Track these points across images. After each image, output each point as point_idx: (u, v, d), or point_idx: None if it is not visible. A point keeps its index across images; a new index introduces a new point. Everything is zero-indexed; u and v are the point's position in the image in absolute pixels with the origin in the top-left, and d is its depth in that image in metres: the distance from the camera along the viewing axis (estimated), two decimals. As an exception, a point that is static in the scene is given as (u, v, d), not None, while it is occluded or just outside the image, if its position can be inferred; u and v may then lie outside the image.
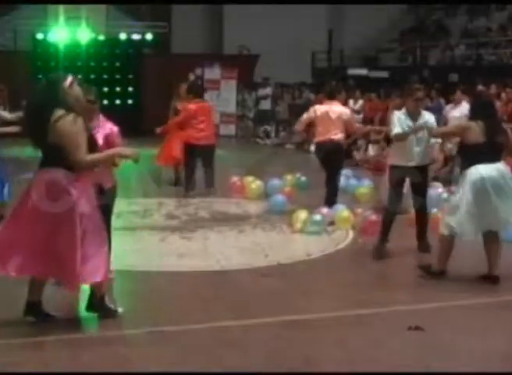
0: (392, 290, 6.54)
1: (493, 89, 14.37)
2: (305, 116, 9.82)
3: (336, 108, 9.58)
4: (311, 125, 10.03)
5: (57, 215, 5.09)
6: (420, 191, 7.70)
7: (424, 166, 7.68)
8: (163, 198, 10.42)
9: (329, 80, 15.71)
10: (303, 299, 6.22)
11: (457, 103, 12.00)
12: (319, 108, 9.72)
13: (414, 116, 7.52)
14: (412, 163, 7.52)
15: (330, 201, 9.37)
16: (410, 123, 7.46)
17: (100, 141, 5.93)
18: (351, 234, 8.59)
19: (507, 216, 6.52)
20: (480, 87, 14.37)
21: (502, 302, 6.22)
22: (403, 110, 7.60)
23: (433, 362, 4.91)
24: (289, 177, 11.48)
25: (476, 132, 6.52)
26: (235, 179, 11.41)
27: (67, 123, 5.08)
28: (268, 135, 20.29)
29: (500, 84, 14.65)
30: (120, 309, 5.60)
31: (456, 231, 6.54)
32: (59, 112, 5.12)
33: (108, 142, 6.01)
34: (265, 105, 20.75)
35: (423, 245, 7.70)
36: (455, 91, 12.41)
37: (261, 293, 6.37)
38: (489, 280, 6.62)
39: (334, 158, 9.52)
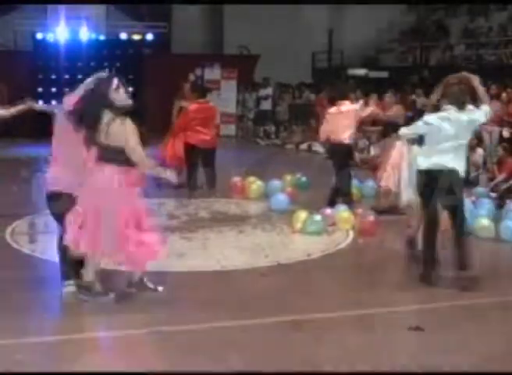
0: (392, 290, 6.54)
1: (494, 89, 14.37)
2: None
3: (350, 108, 9.81)
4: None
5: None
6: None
7: None
8: (163, 198, 10.41)
9: (337, 80, 15.75)
10: (303, 299, 6.22)
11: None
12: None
13: None
14: None
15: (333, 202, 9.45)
16: None
17: None
18: (351, 234, 8.59)
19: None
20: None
21: (502, 302, 6.22)
22: None
23: (433, 362, 4.91)
24: (289, 177, 11.48)
25: None
26: (236, 179, 11.40)
27: (117, 126, 5.57)
28: (268, 135, 20.29)
29: (500, 84, 14.64)
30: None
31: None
32: (109, 115, 5.58)
33: None
34: (266, 105, 20.75)
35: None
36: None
37: (261, 293, 6.37)
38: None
39: (343, 157, 9.70)
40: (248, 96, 21.74)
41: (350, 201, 9.51)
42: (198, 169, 11.20)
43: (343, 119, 9.70)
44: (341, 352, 5.09)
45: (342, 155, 9.70)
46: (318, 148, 16.07)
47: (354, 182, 11.18)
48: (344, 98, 9.98)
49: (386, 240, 8.19)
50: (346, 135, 9.67)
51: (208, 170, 11.08)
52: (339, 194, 9.61)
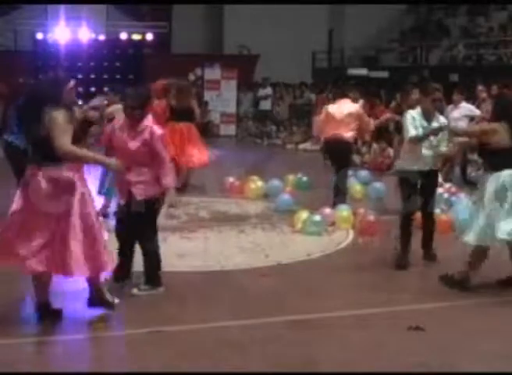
0: (393, 290, 6.54)
1: (494, 90, 14.34)
2: (318, 118, 10.00)
3: (345, 106, 9.71)
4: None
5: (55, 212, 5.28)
6: (430, 193, 7.40)
7: (435, 169, 7.47)
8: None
9: (336, 80, 15.68)
10: (303, 299, 6.22)
11: (457, 104, 12.01)
12: (330, 107, 9.98)
13: (429, 116, 7.19)
14: (426, 167, 7.24)
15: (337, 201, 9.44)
16: (425, 124, 7.15)
17: (136, 144, 5.99)
18: (351, 234, 8.59)
19: None
20: (480, 88, 14.35)
21: (502, 302, 6.22)
22: (418, 109, 7.21)
23: (433, 362, 4.91)
24: (290, 177, 11.47)
25: (502, 135, 6.29)
26: (235, 179, 11.40)
27: (55, 113, 5.28)
28: (268, 135, 20.29)
29: (501, 85, 14.62)
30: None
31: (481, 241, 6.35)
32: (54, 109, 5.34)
33: (147, 146, 6.01)
34: (265, 105, 20.76)
35: (429, 253, 7.45)
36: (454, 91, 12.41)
37: (261, 293, 6.37)
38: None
39: (340, 156, 9.64)
40: (248, 96, 21.75)
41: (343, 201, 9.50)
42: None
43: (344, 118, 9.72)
44: (341, 352, 5.09)
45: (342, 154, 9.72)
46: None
47: (357, 182, 11.20)
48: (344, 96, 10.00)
49: (386, 240, 8.18)
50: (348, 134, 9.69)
51: None
52: (337, 194, 9.61)
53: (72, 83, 5.55)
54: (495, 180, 6.25)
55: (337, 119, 9.70)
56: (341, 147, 9.72)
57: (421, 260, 7.41)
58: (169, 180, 6.13)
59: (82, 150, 5.40)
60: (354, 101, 16.01)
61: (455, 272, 6.58)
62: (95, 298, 5.65)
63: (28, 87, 7.52)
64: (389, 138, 14.09)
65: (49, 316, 5.45)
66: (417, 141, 7.12)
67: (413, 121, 7.14)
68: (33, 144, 5.43)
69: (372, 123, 9.99)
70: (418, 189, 7.27)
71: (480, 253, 6.47)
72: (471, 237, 6.38)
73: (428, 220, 7.49)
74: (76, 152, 5.31)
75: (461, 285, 6.47)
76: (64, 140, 5.24)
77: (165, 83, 11.51)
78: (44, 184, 5.25)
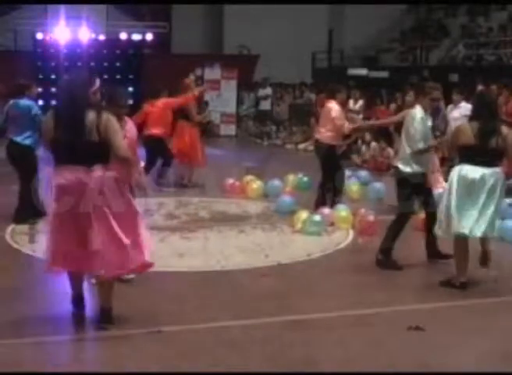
0: (392, 290, 6.55)
1: (494, 89, 14.34)
2: None
3: (327, 107, 9.67)
4: None
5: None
6: (428, 192, 7.41)
7: None
8: (163, 198, 10.41)
9: (331, 80, 15.65)
10: (303, 299, 6.23)
11: (456, 104, 12.02)
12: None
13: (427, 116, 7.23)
14: (428, 168, 7.33)
15: (323, 203, 9.41)
16: (429, 124, 7.18)
17: (129, 140, 6.21)
18: (351, 234, 8.59)
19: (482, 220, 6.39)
20: (480, 88, 14.34)
21: (502, 303, 6.23)
22: (420, 108, 7.11)
23: (433, 362, 4.92)
24: (291, 177, 11.47)
25: (467, 134, 6.39)
26: (235, 179, 11.40)
27: (113, 120, 5.26)
28: (268, 135, 20.29)
29: (500, 84, 14.63)
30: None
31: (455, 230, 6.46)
32: (92, 111, 5.20)
33: (133, 145, 6.34)
34: (265, 105, 20.76)
35: (440, 253, 7.39)
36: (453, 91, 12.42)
37: (261, 293, 6.38)
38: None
39: (321, 156, 9.61)
40: (248, 96, 21.75)
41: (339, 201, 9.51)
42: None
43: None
44: (341, 352, 5.09)
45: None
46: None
47: (356, 182, 11.20)
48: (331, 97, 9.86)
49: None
50: (324, 134, 9.59)
51: None
52: (336, 194, 9.58)
53: (97, 83, 5.42)
54: (457, 172, 6.42)
55: (319, 122, 9.89)
56: (317, 148, 9.84)
57: (420, 260, 7.41)
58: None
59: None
60: (355, 101, 16.11)
61: (450, 277, 6.59)
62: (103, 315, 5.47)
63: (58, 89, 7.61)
64: (389, 138, 14.09)
65: (81, 308, 5.51)
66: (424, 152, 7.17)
67: (422, 123, 7.07)
68: (71, 146, 5.18)
69: (346, 127, 9.85)
70: (417, 190, 7.24)
71: (459, 249, 6.55)
72: (438, 230, 6.65)
73: (433, 219, 7.46)
74: (130, 156, 5.42)
75: (461, 286, 6.49)
76: (128, 151, 5.33)
77: (192, 79, 12.56)
78: (87, 184, 5.13)
